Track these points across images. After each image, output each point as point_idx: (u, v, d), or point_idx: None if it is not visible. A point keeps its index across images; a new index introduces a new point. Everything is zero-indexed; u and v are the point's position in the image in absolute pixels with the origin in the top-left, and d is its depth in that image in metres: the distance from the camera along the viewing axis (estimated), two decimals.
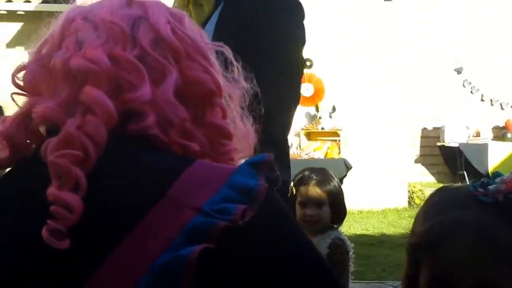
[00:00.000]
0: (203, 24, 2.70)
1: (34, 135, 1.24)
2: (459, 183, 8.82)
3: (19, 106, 1.27)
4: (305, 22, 2.75)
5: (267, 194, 1.12)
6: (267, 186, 1.12)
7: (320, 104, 12.62)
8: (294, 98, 2.75)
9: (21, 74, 1.29)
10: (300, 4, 2.81)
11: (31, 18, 12.61)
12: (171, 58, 1.24)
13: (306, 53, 2.60)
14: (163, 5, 1.32)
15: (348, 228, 9.94)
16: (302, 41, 2.75)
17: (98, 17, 1.24)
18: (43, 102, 1.19)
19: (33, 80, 1.25)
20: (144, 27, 1.25)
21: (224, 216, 1.07)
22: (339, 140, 12.24)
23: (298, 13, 2.78)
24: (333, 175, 3.85)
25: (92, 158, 1.12)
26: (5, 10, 12.71)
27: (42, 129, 1.24)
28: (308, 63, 12.59)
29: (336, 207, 3.73)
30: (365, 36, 12.75)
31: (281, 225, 1.14)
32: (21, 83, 1.27)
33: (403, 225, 10.58)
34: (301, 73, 2.76)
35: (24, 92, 1.28)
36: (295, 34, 2.69)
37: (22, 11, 12.68)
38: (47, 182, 1.10)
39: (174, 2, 2.86)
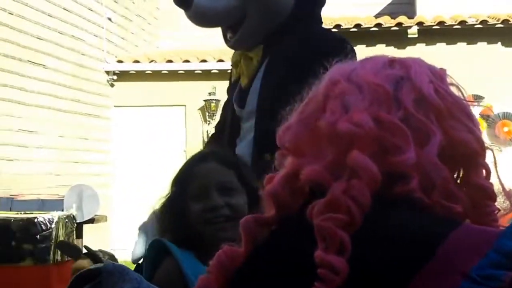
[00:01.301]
0: (253, 76, 2.76)
1: (298, 194, 1.25)
2: None
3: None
4: None
5: None
6: None
7: None
8: None
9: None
10: (352, 47, 2.77)
11: (224, 77, 12.92)
12: (434, 118, 1.22)
13: None
14: (424, 63, 1.31)
15: None
16: None
17: (362, 78, 1.25)
18: (309, 164, 1.21)
19: (296, 140, 1.27)
20: (406, 88, 1.24)
21: (492, 283, 1.04)
22: None
23: (351, 58, 2.69)
24: None
25: (357, 221, 1.13)
26: (200, 70, 13.22)
27: (305, 188, 1.25)
28: None
29: None
30: None
31: None
32: (286, 143, 1.29)
33: None
34: None
35: (286, 152, 1.30)
36: None
37: (216, 69, 13.05)
38: (312, 243, 1.13)
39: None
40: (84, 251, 2.34)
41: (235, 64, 2.93)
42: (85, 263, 3.64)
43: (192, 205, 2.09)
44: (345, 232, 1.11)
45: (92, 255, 2.19)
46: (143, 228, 2.76)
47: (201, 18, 2.90)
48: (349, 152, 1.17)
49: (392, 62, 1.28)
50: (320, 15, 2.86)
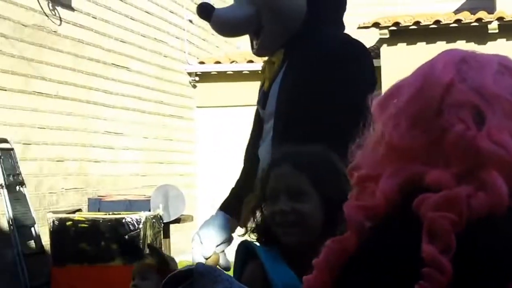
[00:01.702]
0: (273, 79, 2.87)
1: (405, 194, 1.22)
2: None
3: None
4: None
5: None
6: None
7: None
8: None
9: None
10: (364, 49, 2.84)
11: None
12: None
13: None
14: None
15: None
16: (369, 86, 2.67)
17: (483, 87, 1.20)
18: (434, 170, 1.18)
19: (406, 140, 1.22)
20: None
21: None
22: None
23: (362, 60, 2.80)
24: None
25: (463, 224, 1.11)
26: (248, 70, 13.25)
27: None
28: None
29: None
30: None
31: None
32: (395, 140, 1.23)
33: None
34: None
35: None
36: (360, 84, 2.66)
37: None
38: (416, 239, 1.11)
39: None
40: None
41: (262, 70, 3.06)
42: (148, 261, 3.87)
43: (267, 207, 2.15)
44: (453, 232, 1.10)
45: (156, 251, 2.25)
46: (197, 238, 2.91)
47: (222, 28, 3.10)
48: (482, 167, 1.15)
49: (502, 68, 1.23)
50: (341, 19, 2.96)
